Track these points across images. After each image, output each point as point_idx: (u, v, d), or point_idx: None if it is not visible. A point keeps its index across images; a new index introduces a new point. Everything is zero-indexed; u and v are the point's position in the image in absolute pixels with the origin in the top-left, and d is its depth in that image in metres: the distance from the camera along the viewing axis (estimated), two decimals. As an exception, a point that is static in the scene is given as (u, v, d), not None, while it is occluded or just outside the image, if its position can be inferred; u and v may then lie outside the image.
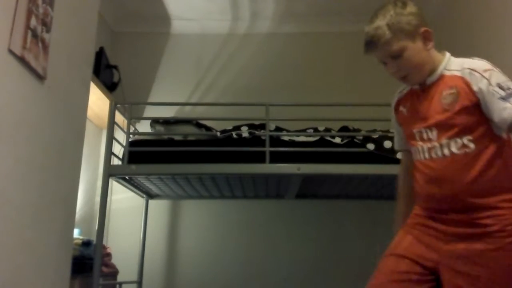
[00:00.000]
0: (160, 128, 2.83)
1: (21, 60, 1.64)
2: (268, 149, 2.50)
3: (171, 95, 3.58)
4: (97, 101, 2.96)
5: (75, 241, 2.42)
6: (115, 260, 2.90)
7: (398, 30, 1.30)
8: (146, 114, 3.47)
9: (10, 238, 1.61)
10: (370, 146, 2.55)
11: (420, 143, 1.37)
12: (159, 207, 3.40)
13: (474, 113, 1.27)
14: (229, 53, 3.73)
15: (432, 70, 1.36)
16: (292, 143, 2.60)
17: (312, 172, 2.56)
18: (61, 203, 2.02)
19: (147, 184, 2.93)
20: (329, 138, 2.62)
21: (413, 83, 1.42)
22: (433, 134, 1.33)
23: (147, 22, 3.78)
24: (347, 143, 2.62)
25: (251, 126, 2.74)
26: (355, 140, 2.62)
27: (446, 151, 1.30)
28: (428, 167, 1.34)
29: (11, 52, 1.58)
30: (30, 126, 1.75)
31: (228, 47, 3.75)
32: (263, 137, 2.58)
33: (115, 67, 3.26)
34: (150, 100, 3.61)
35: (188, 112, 3.55)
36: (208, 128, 2.84)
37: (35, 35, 1.72)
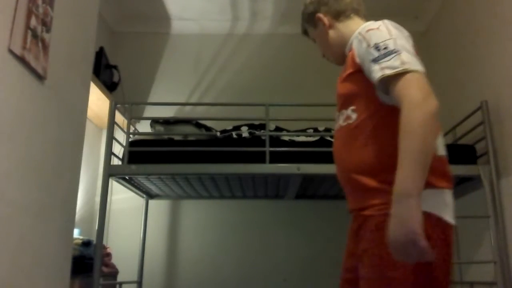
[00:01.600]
0: (160, 128, 2.83)
1: (21, 60, 1.64)
2: (268, 149, 2.50)
3: (171, 95, 3.59)
4: (97, 101, 2.96)
5: (75, 241, 2.42)
6: (115, 260, 2.90)
7: (304, 20, 1.46)
8: (146, 114, 3.47)
9: (10, 238, 1.61)
10: (370, 146, 2.55)
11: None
12: (159, 207, 3.40)
13: (358, 80, 1.17)
14: (228, 53, 3.73)
15: (343, 48, 1.35)
16: (292, 143, 2.60)
17: (312, 172, 2.56)
18: (61, 203, 2.02)
19: (147, 184, 2.93)
20: (329, 138, 2.62)
21: (332, 62, 1.44)
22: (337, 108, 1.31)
23: (147, 22, 3.79)
24: (347, 143, 2.61)
25: (251, 126, 2.74)
26: (355, 140, 2.62)
27: (336, 125, 1.28)
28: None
29: (11, 52, 1.58)
30: (30, 126, 1.75)
31: (228, 47, 3.75)
32: (263, 137, 2.58)
33: (115, 67, 3.26)
34: (150, 100, 3.61)
35: (188, 112, 3.55)
36: (208, 128, 2.84)
37: (35, 35, 1.72)
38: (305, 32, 1.51)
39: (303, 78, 3.64)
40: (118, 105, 2.76)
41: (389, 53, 1.08)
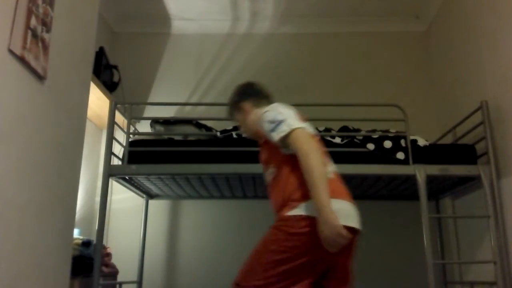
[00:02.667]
0: (160, 128, 2.83)
1: (21, 60, 1.64)
2: (268, 149, 2.50)
3: (171, 95, 3.59)
4: (97, 101, 2.96)
5: (75, 241, 2.42)
6: (115, 260, 2.90)
7: (231, 106, 1.90)
8: (146, 114, 3.47)
9: (10, 238, 1.61)
10: (370, 146, 2.55)
11: None
12: (159, 207, 3.40)
13: (268, 147, 1.70)
14: (229, 53, 3.73)
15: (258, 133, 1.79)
16: (292, 143, 2.60)
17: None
18: (61, 203, 2.02)
19: (147, 184, 2.93)
20: (329, 138, 2.62)
21: (254, 139, 1.90)
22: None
23: (147, 22, 3.79)
24: (347, 143, 2.62)
25: (251, 126, 2.73)
26: (355, 140, 2.62)
27: (267, 181, 1.75)
28: None
29: (11, 52, 1.58)
30: (30, 126, 1.75)
31: (228, 47, 3.75)
32: (263, 137, 2.58)
33: (115, 67, 3.26)
34: (150, 100, 3.61)
35: (188, 112, 3.55)
36: (208, 128, 2.84)
37: (35, 35, 1.72)
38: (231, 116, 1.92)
39: (303, 78, 3.64)
40: (118, 105, 2.76)
41: (278, 123, 1.58)
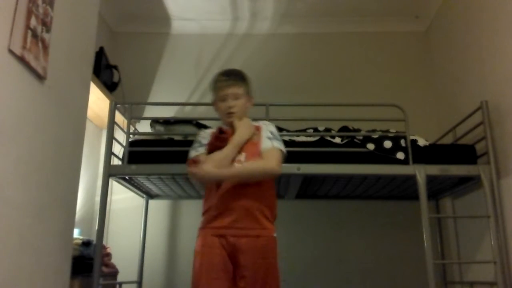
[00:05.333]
0: (160, 128, 2.83)
1: (21, 60, 1.64)
2: (268, 149, 2.50)
3: (171, 95, 3.59)
4: (97, 101, 2.96)
5: (75, 241, 2.42)
6: (115, 260, 2.90)
7: (247, 84, 1.97)
8: (146, 114, 3.47)
9: (10, 238, 1.61)
10: (370, 146, 2.55)
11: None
12: (159, 207, 3.40)
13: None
14: (229, 53, 3.73)
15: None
16: (292, 143, 2.60)
17: (312, 172, 2.56)
18: (61, 203, 2.02)
19: (147, 184, 2.93)
20: (329, 138, 2.62)
21: (231, 120, 1.92)
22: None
23: (147, 22, 3.79)
24: (347, 143, 2.62)
25: (251, 126, 2.73)
26: (355, 140, 2.62)
27: None
28: None
29: (11, 52, 1.58)
30: (30, 126, 1.75)
31: (228, 47, 3.75)
32: (263, 137, 2.58)
33: (115, 67, 3.26)
34: (150, 100, 3.61)
35: (188, 112, 3.55)
36: (208, 128, 2.83)
37: (35, 35, 1.72)
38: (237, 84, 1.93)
39: (303, 78, 3.64)
40: (118, 105, 2.76)
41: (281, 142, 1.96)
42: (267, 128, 1.94)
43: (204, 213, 1.86)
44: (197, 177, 1.81)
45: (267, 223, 1.82)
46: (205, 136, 1.96)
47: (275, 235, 1.83)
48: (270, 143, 1.87)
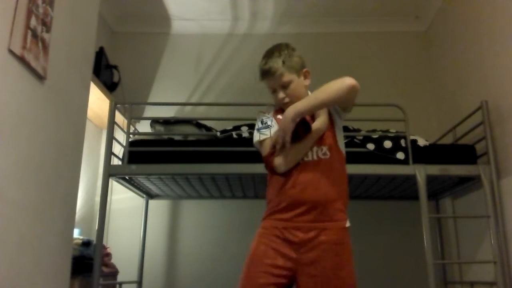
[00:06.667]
0: (160, 128, 2.83)
1: (21, 60, 1.64)
2: (268, 149, 2.50)
3: (171, 95, 3.59)
4: (97, 101, 2.96)
5: (75, 241, 2.42)
6: (115, 260, 2.90)
7: (289, 66, 1.64)
8: (146, 114, 3.47)
9: (10, 238, 1.61)
10: (370, 146, 2.55)
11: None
12: (159, 207, 3.40)
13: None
14: (228, 53, 3.73)
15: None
16: (292, 143, 2.60)
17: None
18: (61, 203, 2.02)
19: (147, 184, 2.93)
20: (329, 138, 2.62)
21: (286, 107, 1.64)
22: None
23: (147, 22, 3.79)
24: (347, 143, 2.61)
25: (251, 126, 2.73)
26: (355, 140, 2.62)
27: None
28: None
29: (11, 52, 1.58)
30: (30, 126, 1.75)
31: (228, 47, 3.75)
32: (263, 137, 2.58)
33: (115, 67, 3.26)
34: (150, 100, 3.61)
35: (188, 112, 3.55)
36: (208, 128, 2.84)
37: (35, 35, 1.72)
38: (275, 73, 1.64)
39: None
40: (118, 105, 2.76)
41: None
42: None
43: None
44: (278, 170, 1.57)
45: None
46: (268, 116, 1.73)
47: (348, 225, 1.66)
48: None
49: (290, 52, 1.68)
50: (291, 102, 1.61)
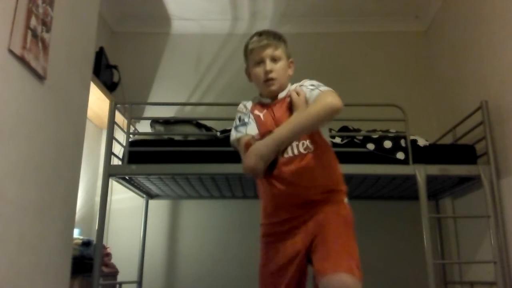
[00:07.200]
0: (160, 128, 2.83)
1: (21, 60, 1.64)
2: (268, 149, 2.49)
3: (171, 95, 3.59)
4: (97, 101, 2.96)
5: (75, 241, 2.42)
6: (115, 260, 2.90)
7: (284, 45, 1.64)
8: (146, 114, 3.47)
9: (10, 238, 1.61)
10: (370, 146, 2.55)
11: None
12: (159, 207, 3.40)
13: None
14: (229, 53, 3.73)
15: (283, 89, 1.63)
16: (292, 143, 2.60)
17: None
18: (61, 203, 2.02)
19: (147, 184, 2.93)
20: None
21: (273, 89, 1.61)
22: None
23: (147, 22, 3.79)
24: (347, 143, 2.62)
25: (251, 126, 2.73)
26: (355, 140, 2.62)
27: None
28: None
29: (11, 52, 1.58)
30: (30, 126, 1.75)
31: (228, 47, 3.75)
32: (263, 137, 2.58)
33: (115, 67, 3.26)
34: (150, 100, 3.61)
35: (188, 112, 3.55)
36: (208, 128, 2.84)
37: (35, 35, 1.72)
38: (273, 44, 1.61)
39: (303, 77, 3.63)
40: (118, 105, 2.76)
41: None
42: (305, 86, 1.58)
43: None
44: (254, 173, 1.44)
45: None
46: (245, 112, 1.65)
47: (346, 201, 1.64)
48: (316, 91, 1.52)
49: (284, 38, 1.68)
50: (276, 81, 1.58)
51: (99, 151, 3.42)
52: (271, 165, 1.43)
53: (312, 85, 1.56)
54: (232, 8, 3.65)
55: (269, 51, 1.59)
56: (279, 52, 1.60)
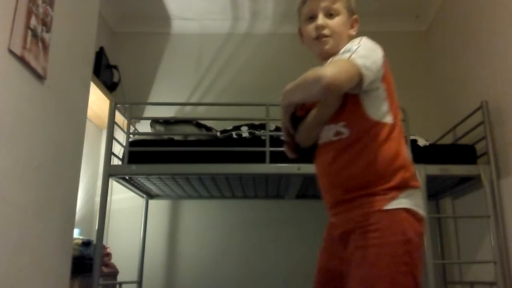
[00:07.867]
0: (160, 128, 2.83)
1: (21, 60, 1.64)
2: (268, 149, 2.50)
3: (171, 95, 3.58)
4: (97, 101, 2.96)
5: (75, 241, 2.42)
6: (115, 260, 2.90)
7: (346, 3, 1.35)
8: (146, 114, 3.47)
9: (9, 238, 1.61)
10: (370, 146, 2.55)
11: None
12: (159, 207, 3.40)
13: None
14: (229, 53, 3.73)
15: (339, 50, 1.32)
16: (292, 143, 2.60)
17: (312, 172, 2.53)
18: (61, 203, 2.02)
19: (147, 184, 2.93)
20: (329, 138, 2.61)
21: (326, 49, 1.34)
22: None
23: (147, 22, 3.78)
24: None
25: (251, 126, 2.73)
26: (355, 140, 2.61)
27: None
28: None
29: (11, 52, 1.58)
30: (30, 126, 1.75)
31: (228, 47, 3.75)
32: (263, 137, 2.58)
33: (115, 67, 3.26)
34: (150, 100, 3.61)
35: (188, 112, 3.55)
36: (208, 128, 2.84)
37: (35, 35, 1.72)
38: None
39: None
40: (118, 105, 2.76)
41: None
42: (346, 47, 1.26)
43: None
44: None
45: None
46: None
47: (387, 207, 1.15)
48: (338, 57, 1.25)
49: None
50: (330, 38, 1.31)
51: (99, 151, 3.42)
52: (311, 148, 1.30)
53: (348, 48, 1.24)
54: (232, 8, 3.65)
55: (323, 3, 1.30)
56: (338, 5, 1.32)
